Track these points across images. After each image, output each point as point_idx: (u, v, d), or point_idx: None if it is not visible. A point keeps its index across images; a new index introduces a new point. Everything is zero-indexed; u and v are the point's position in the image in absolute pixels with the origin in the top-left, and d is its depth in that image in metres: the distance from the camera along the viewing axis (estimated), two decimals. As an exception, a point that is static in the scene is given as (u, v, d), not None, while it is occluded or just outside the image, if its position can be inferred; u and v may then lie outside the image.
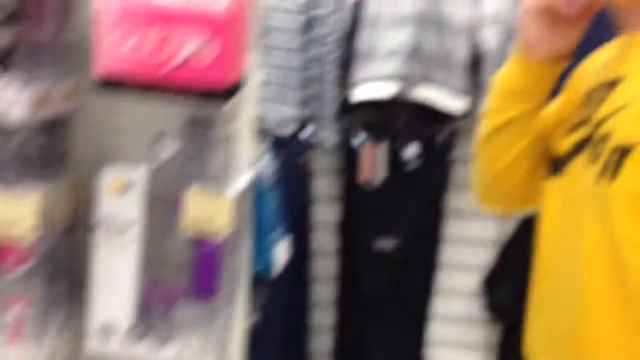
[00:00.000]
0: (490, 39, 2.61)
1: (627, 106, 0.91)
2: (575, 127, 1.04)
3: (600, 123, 0.96)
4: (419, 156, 2.70)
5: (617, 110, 0.93)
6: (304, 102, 2.68)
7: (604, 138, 0.93)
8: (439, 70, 2.64)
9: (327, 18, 2.65)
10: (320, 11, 2.65)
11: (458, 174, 2.76)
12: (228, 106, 1.34)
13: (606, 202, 0.90)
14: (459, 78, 2.64)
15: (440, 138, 2.72)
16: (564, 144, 1.05)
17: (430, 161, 2.73)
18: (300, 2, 2.63)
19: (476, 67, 2.68)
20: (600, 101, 0.98)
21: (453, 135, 2.76)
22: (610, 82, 0.98)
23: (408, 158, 2.71)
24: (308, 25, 2.67)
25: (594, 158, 0.94)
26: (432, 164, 2.73)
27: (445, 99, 2.66)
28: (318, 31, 2.66)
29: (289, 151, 2.69)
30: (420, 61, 2.64)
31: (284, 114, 2.65)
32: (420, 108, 2.69)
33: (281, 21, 2.63)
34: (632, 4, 0.99)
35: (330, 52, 2.66)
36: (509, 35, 2.60)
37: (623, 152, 0.88)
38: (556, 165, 1.07)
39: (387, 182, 2.72)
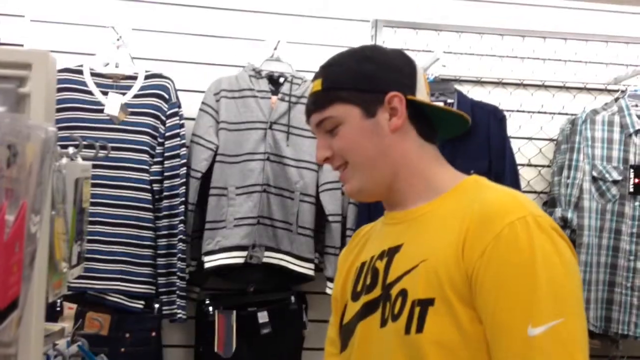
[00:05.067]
0: (329, 203, 2.57)
1: (415, 268, 1.06)
2: (357, 295, 1.17)
3: (392, 284, 1.08)
4: (272, 320, 2.55)
5: (406, 272, 1.07)
6: (153, 276, 2.49)
7: (402, 296, 1.06)
8: (285, 236, 2.55)
9: (176, 189, 2.53)
10: (169, 183, 2.53)
11: (311, 335, 2.62)
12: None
13: (418, 349, 1.02)
14: (305, 243, 2.56)
15: (292, 300, 2.60)
16: (348, 313, 1.18)
17: (284, 324, 2.58)
18: (153, 173, 2.51)
19: (322, 229, 2.62)
20: (385, 267, 1.11)
21: (304, 298, 2.64)
22: (391, 249, 1.12)
23: (262, 323, 2.55)
24: (158, 197, 2.54)
25: (394, 315, 1.06)
26: (285, 327, 2.58)
27: (294, 263, 2.55)
28: (167, 202, 2.52)
29: (140, 325, 2.47)
30: (266, 228, 2.54)
31: (132, 290, 2.45)
32: (271, 272, 2.58)
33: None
34: (374, 199, 1.19)
35: (179, 223, 2.52)
36: (348, 199, 2.58)
37: (423, 305, 1.02)
38: (343, 338, 1.18)
39: (242, 349, 2.53)
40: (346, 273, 1.26)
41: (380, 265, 1.13)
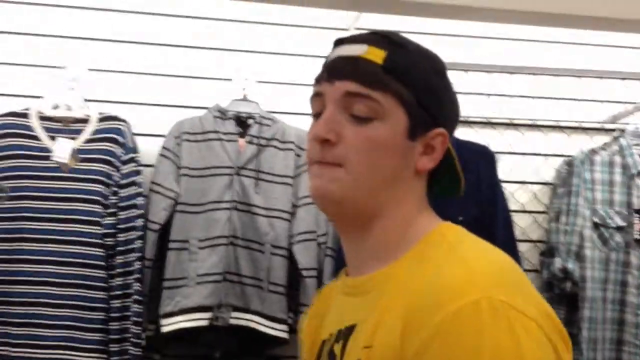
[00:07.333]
0: (303, 256, 2.24)
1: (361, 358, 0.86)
2: None
3: None
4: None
5: None
6: (104, 343, 2.14)
7: None
8: (254, 294, 2.21)
9: (132, 243, 2.19)
10: (123, 236, 2.20)
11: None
12: None
13: None
14: (277, 302, 2.22)
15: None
16: None
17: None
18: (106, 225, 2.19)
19: (296, 286, 2.28)
20: (341, 353, 0.90)
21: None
22: (346, 329, 0.91)
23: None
24: (111, 253, 2.20)
25: None
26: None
27: (265, 325, 2.21)
28: (121, 258, 2.19)
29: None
30: (233, 286, 2.21)
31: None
32: (240, 335, 2.23)
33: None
34: (342, 218, 0.91)
35: (134, 281, 2.18)
36: (324, 251, 2.26)
37: None
38: None
39: None
40: (311, 343, 1.01)
41: (337, 349, 0.91)
